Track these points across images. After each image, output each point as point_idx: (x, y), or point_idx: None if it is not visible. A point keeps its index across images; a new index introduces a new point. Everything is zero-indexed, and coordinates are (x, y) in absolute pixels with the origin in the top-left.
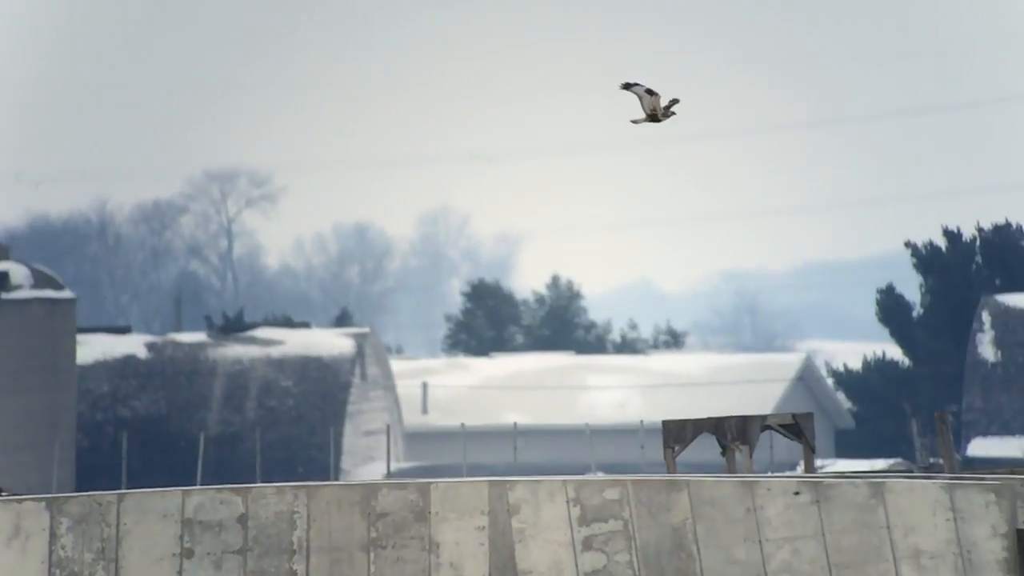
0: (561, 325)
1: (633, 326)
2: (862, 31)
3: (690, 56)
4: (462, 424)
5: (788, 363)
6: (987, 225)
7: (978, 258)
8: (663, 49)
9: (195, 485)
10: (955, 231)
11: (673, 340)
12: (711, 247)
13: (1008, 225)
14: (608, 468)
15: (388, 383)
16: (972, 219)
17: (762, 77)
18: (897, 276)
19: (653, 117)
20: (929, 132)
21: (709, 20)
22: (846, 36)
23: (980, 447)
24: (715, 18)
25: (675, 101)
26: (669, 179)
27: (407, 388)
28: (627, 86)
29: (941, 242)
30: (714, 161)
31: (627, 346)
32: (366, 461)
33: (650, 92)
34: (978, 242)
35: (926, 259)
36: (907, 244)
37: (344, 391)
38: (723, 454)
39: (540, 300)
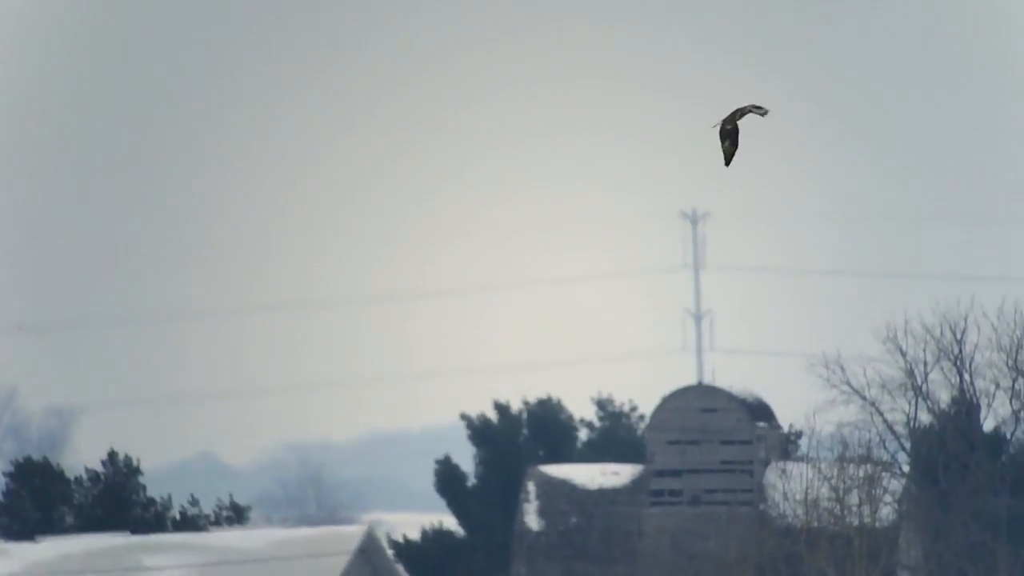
0: (117, 503)
1: (194, 502)
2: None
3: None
4: None
5: (350, 535)
6: (532, 399)
7: (525, 430)
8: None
9: None
10: (505, 404)
11: (236, 515)
12: (275, 418)
13: (550, 399)
14: None
15: None
16: (520, 393)
17: (307, 254)
18: (454, 447)
19: (734, 117)
20: (481, 308)
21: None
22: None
23: None
24: None
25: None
26: (231, 350)
27: None
28: (731, 123)
29: (493, 415)
30: (271, 334)
31: (188, 523)
32: None
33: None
34: (525, 415)
35: (479, 431)
36: (462, 416)
37: None
38: None
39: (95, 477)
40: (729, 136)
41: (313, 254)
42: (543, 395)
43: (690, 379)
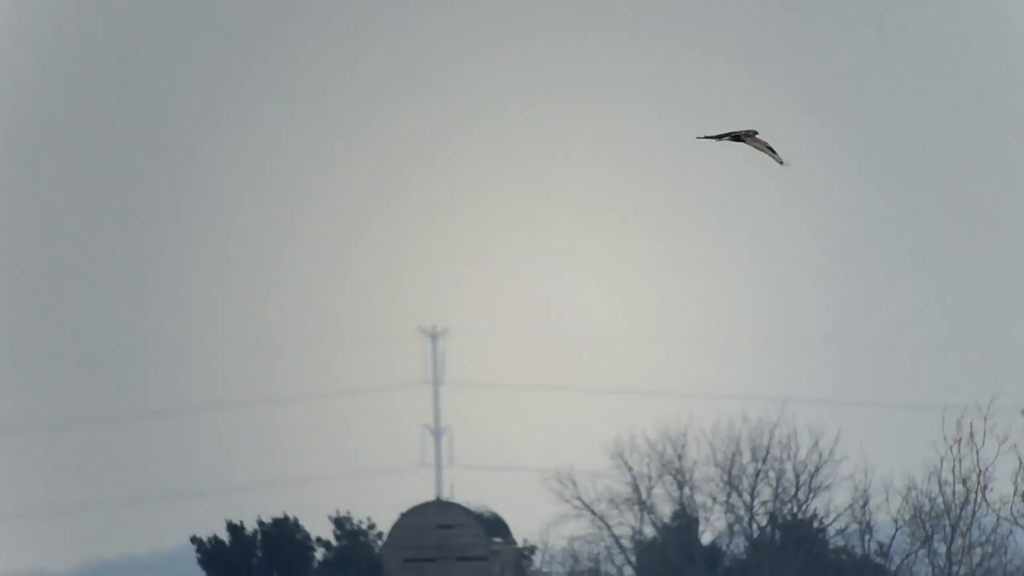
0: None
1: None
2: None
3: None
4: None
5: None
6: (268, 519)
7: (259, 552)
8: None
9: None
10: (238, 525)
11: None
12: None
13: (286, 519)
14: None
15: None
16: (254, 512)
17: (23, 376)
18: (186, 572)
19: (737, 137)
20: (213, 426)
21: None
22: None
23: None
24: None
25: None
26: None
27: None
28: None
29: (225, 536)
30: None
31: None
32: None
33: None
34: (259, 536)
35: (210, 554)
36: (193, 539)
37: None
38: None
39: None
40: (735, 137)
41: (27, 376)
42: (279, 514)
43: (429, 495)
